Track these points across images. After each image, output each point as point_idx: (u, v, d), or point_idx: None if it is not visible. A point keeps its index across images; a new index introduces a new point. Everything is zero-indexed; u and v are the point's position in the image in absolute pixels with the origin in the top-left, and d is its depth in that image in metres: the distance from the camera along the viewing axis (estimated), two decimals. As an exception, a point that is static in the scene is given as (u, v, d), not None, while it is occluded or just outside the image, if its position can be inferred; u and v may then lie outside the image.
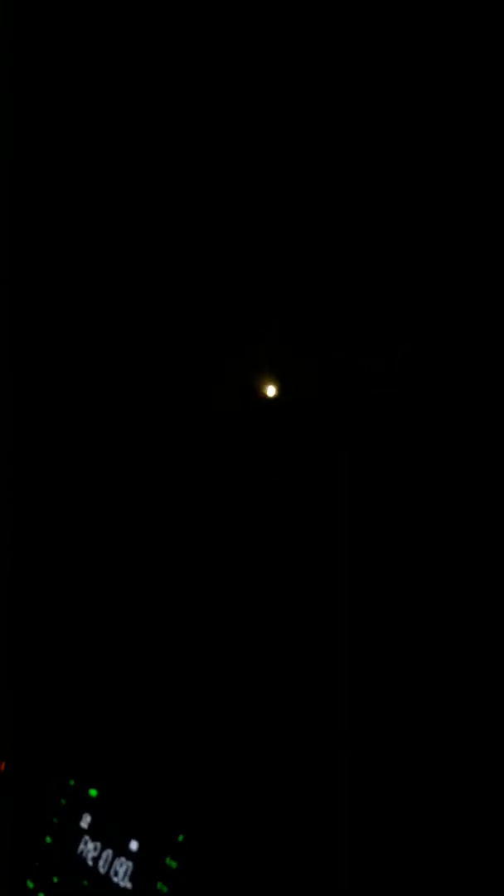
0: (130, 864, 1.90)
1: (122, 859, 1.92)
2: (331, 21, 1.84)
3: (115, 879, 1.91)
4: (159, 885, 1.83)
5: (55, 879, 2.00)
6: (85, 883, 1.94)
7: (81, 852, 1.98)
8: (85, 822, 1.99)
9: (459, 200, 1.87)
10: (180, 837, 1.85)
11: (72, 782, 2.02)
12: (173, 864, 1.84)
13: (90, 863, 1.96)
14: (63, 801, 2.02)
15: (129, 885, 1.89)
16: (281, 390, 2.09)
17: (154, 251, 2.19)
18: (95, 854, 1.96)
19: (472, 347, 1.87)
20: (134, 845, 1.91)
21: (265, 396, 2.09)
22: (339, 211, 1.98)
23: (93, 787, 2.00)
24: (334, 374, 2.00)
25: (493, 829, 1.63)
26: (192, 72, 1.99)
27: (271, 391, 2.08)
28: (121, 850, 1.92)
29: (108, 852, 1.94)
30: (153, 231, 2.17)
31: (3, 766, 2.17)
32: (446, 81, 1.82)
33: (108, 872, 1.92)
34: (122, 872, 1.90)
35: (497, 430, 1.83)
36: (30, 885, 2.02)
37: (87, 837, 1.98)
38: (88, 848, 1.97)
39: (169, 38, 1.97)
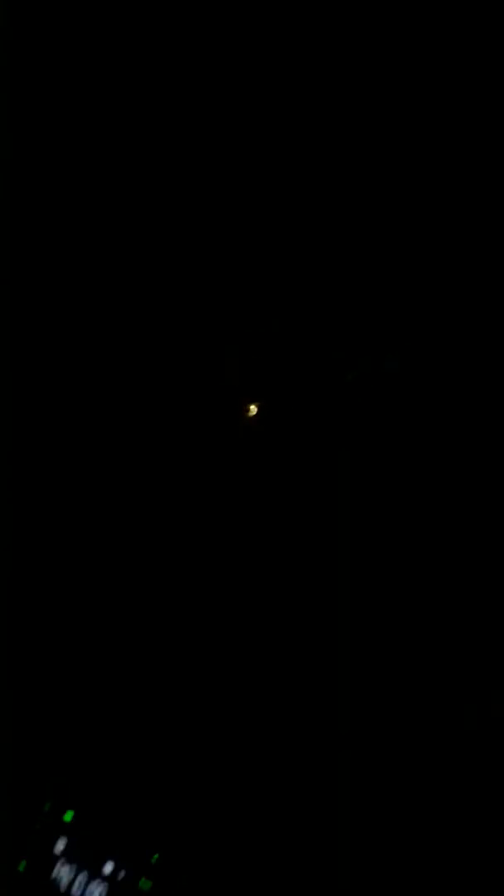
0: (105, 886, 1.90)
1: (97, 882, 1.91)
2: (330, 21, 1.89)
3: (89, 903, 1.90)
4: (133, 906, 1.83)
5: (28, 906, 1.99)
6: (60, 909, 1.94)
7: (55, 878, 1.97)
8: (59, 846, 1.99)
9: (456, 202, 1.93)
10: (154, 858, 1.85)
11: (47, 806, 2.02)
12: (147, 885, 1.84)
13: (64, 888, 1.95)
14: (38, 826, 2.02)
15: (102, 909, 1.88)
16: (279, 392, 2.11)
17: (153, 252, 2.22)
18: (69, 879, 1.95)
19: (470, 348, 1.92)
20: (108, 867, 1.91)
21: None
22: (337, 211, 2.02)
23: (68, 810, 2.01)
24: (335, 374, 2.04)
25: (491, 830, 1.65)
26: (192, 71, 2.04)
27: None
28: (95, 873, 1.92)
29: (83, 876, 1.93)
30: (151, 233, 2.20)
31: None
32: (443, 85, 1.88)
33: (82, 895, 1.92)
34: (96, 895, 1.90)
35: (495, 431, 1.88)
36: (4, 911, 2.01)
37: (61, 862, 1.98)
38: (62, 873, 1.97)
39: (169, 38, 2.02)
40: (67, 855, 1.98)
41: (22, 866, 2.04)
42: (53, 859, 2.00)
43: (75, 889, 1.94)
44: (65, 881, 1.96)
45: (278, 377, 2.12)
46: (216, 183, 2.13)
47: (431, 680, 1.86)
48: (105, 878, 1.91)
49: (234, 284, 2.17)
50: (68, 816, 2.02)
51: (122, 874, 1.89)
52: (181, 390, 2.20)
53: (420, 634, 1.90)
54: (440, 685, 1.86)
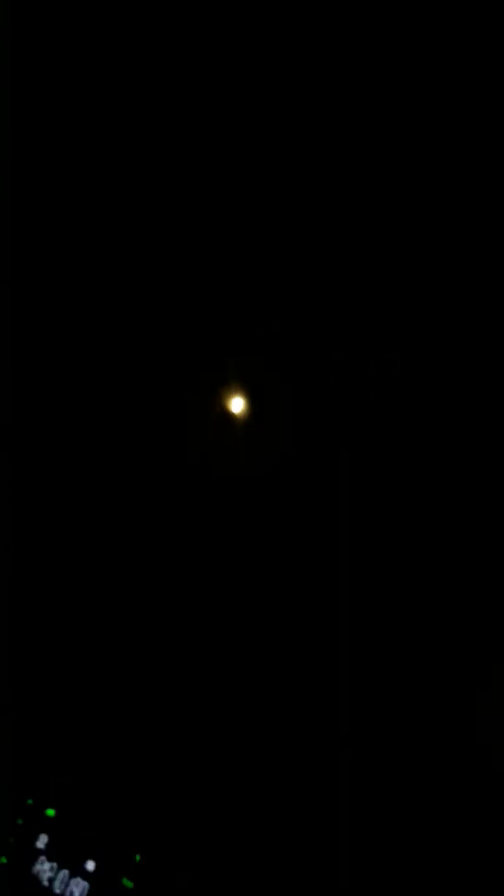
0: (86, 884, 1.90)
1: (78, 879, 1.91)
2: (331, 22, 1.85)
3: (71, 900, 1.90)
4: (115, 904, 1.83)
5: (9, 900, 1.99)
6: (41, 904, 1.94)
7: (37, 872, 1.97)
8: (41, 842, 1.99)
9: (454, 204, 1.90)
10: (137, 858, 1.85)
11: (30, 801, 2.02)
12: (129, 884, 1.84)
13: (45, 883, 1.95)
14: (20, 821, 2.01)
15: (84, 906, 1.88)
16: (279, 392, 2.09)
17: (153, 253, 2.18)
18: (51, 874, 1.95)
19: (468, 349, 1.90)
20: (90, 865, 1.90)
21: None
22: (336, 212, 1.99)
23: (50, 806, 2.00)
24: (335, 374, 2.02)
25: (491, 831, 1.65)
26: (192, 72, 1.99)
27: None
28: (77, 871, 1.92)
29: (64, 872, 1.93)
30: (151, 234, 2.17)
31: None
32: (443, 85, 1.84)
33: (63, 893, 1.92)
34: (77, 893, 1.90)
35: (494, 430, 1.86)
36: (-17, 905, 2.00)
37: (43, 857, 1.97)
38: (44, 868, 1.96)
39: (169, 38, 1.97)
40: (49, 851, 1.98)
41: (3, 859, 2.04)
42: (35, 854, 2.00)
43: (57, 885, 1.94)
44: (46, 876, 1.96)
45: (278, 377, 2.10)
46: (216, 184, 2.09)
47: (430, 681, 1.86)
48: (87, 876, 1.91)
49: (234, 285, 2.14)
50: (51, 812, 2.01)
51: (103, 872, 1.89)
52: (181, 389, 2.18)
53: (418, 631, 1.89)
54: (439, 687, 1.85)
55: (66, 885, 1.92)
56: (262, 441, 2.05)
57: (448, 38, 1.78)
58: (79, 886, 1.91)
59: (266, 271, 2.05)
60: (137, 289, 2.18)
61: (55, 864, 1.95)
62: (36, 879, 1.96)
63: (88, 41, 2.03)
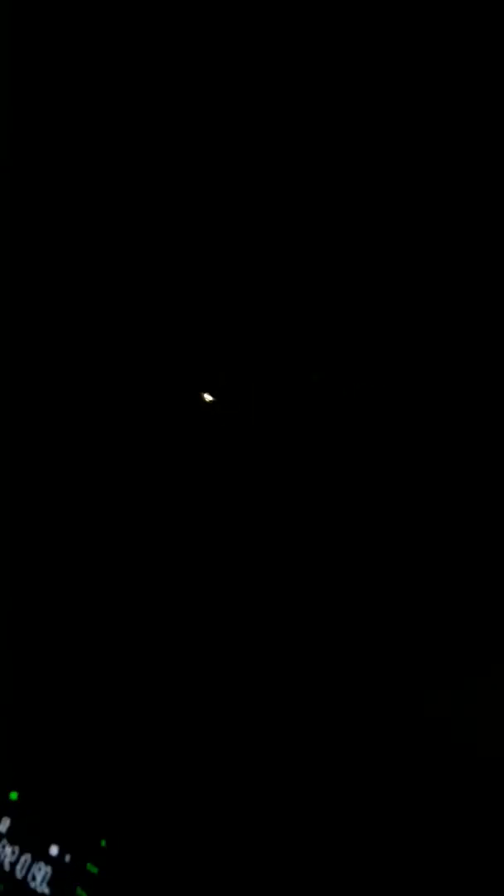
0: (49, 868, 1.87)
1: (41, 864, 1.89)
2: (331, 22, 1.84)
3: (33, 885, 1.88)
4: (79, 890, 1.81)
5: (-32, 884, 1.96)
6: (0, 888, 1.91)
7: (-2, 857, 1.94)
8: (3, 826, 1.96)
9: (442, 216, 1.90)
10: (103, 842, 1.83)
11: (-9, 785, 1.99)
12: (94, 870, 1.82)
13: (7, 867, 1.92)
14: (-19, 805, 1.98)
15: (46, 891, 1.86)
16: (274, 392, 2.09)
17: (142, 262, 2.18)
18: (13, 859, 1.92)
19: (462, 355, 1.91)
20: (54, 850, 1.88)
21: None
22: (325, 222, 1.99)
23: (13, 790, 1.97)
24: (333, 374, 2.02)
25: (492, 835, 1.66)
26: (191, 72, 1.99)
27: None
28: (40, 855, 1.89)
29: (27, 857, 1.91)
30: (141, 242, 2.17)
31: None
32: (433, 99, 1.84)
33: (25, 877, 1.89)
34: (39, 878, 1.87)
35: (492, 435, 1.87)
36: None
37: (4, 842, 1.95)
38: (6, 852, 1.93)
39: (169, 38, 1.96)
40: (11, 835, 1.95)
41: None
42: (-4, 838, 1.97)
43: (18, 869, 1.91)
44: (8, 861, 1.93)
45: (262, 387, 2.09)
46: (208, 193, 2.08)
47: (429, 689, 1.86)
48: (50, 861, 1.88)
49: (223, 294, 2.13)
50: (14, 795, 1.98)
51: (67, 857, 1.87)
52: (175, 390, 2.17)
53: (417, 631, 1.90)
54: (439, 694, 1.86)
55: (28, 869, 1.90)
56: (250, 452, 2.04)
57: (448, 38, 1.77)
58: (41, 871, 1.88)
59: (260, 281, 2.04)
60: (128, 297, 2.16)
61: (17, 849, 1.92)
62: (-3, 863, 1.93)
63: (88, 41, 2.00)
